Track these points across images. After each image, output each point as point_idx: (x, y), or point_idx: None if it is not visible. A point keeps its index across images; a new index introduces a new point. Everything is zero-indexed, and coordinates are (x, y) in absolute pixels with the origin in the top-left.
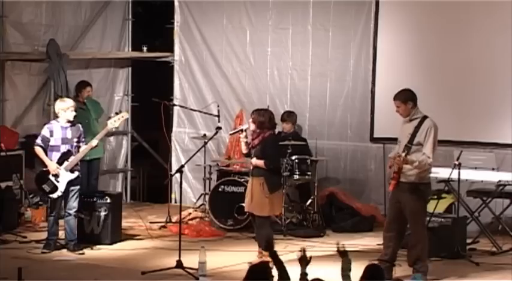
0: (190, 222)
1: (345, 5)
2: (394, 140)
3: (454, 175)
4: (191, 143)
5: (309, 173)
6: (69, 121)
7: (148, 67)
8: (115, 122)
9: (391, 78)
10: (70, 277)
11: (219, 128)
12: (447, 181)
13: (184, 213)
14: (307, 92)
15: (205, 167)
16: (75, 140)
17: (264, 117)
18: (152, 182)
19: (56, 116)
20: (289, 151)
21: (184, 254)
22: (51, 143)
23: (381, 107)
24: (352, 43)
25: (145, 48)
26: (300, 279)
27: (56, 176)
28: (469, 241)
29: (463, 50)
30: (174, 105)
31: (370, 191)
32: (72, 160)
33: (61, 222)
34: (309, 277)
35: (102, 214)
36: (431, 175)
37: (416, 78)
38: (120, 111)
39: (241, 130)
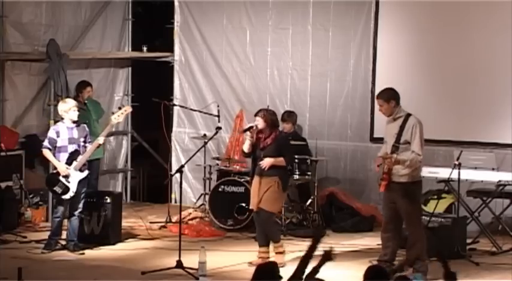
0: (190, 222)
1: (345, 5)
2: None
3: (454, 175)
4: (191, 143)
5: (309, 173)
6: (74, 121)
7: (148, 67)
8: (118, 117)
9: (391, 78)
10: (70, 277)
11: (219, 128)
12: (447, 181)
13: (184, 213)
14: (307, 92)
15: (205, 167)
16: (82, 139)
17: (275, 116)
18: (152, 182)
19: (60, 118)
20: None
21: (184, 254)
22: (58, 144)
23: None
24: (352, 43)
25: (145, 48)
26: (309, 273)
27: (67, 177)
28: (469, 241)
29: (463, 50)
30: (174, 105)
31: (370, 191)
32: (81, 159)
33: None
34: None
35: (102, 214)
36: (431, 175)
37: (416, 78)
38: (123, 106)
39: (252, 127)
